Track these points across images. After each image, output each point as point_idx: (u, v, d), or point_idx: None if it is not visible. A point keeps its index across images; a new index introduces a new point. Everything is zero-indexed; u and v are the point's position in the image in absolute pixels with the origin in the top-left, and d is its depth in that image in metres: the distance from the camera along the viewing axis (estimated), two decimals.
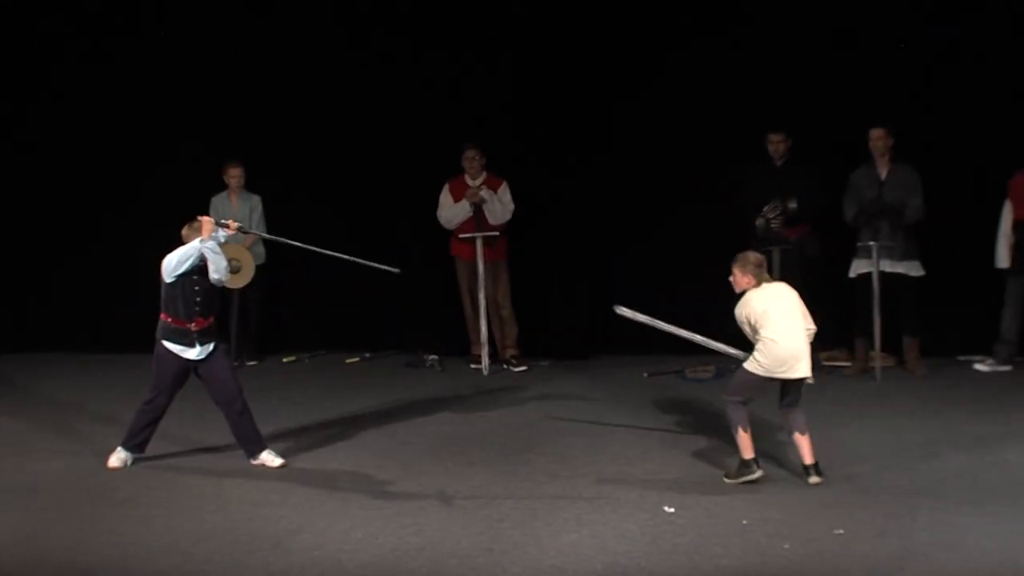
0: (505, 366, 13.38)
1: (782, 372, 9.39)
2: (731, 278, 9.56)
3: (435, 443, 10.62)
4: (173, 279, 9.72)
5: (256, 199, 13.74)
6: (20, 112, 14.14)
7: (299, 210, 13.79)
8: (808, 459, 9.44)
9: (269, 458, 10.00)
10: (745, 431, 9.44)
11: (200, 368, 9.94)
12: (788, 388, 9.50)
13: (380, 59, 13.83)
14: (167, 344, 9.88)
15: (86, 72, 14.13)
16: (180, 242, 9.80)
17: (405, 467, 9.96)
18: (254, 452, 10.02)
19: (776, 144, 12.83)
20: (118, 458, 10.03)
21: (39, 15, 14.03)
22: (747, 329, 9.54)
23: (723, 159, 13.06)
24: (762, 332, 9.39)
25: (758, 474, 9.43)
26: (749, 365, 9.48)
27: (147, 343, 12.38)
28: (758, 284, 9.55)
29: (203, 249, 9.72)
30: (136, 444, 10.04)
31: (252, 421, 10.03)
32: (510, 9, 13.57)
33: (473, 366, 13.33)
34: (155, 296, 9.93)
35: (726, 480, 9.46)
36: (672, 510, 8.83)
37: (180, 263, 9.69)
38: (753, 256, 9.66)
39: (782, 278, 12.46)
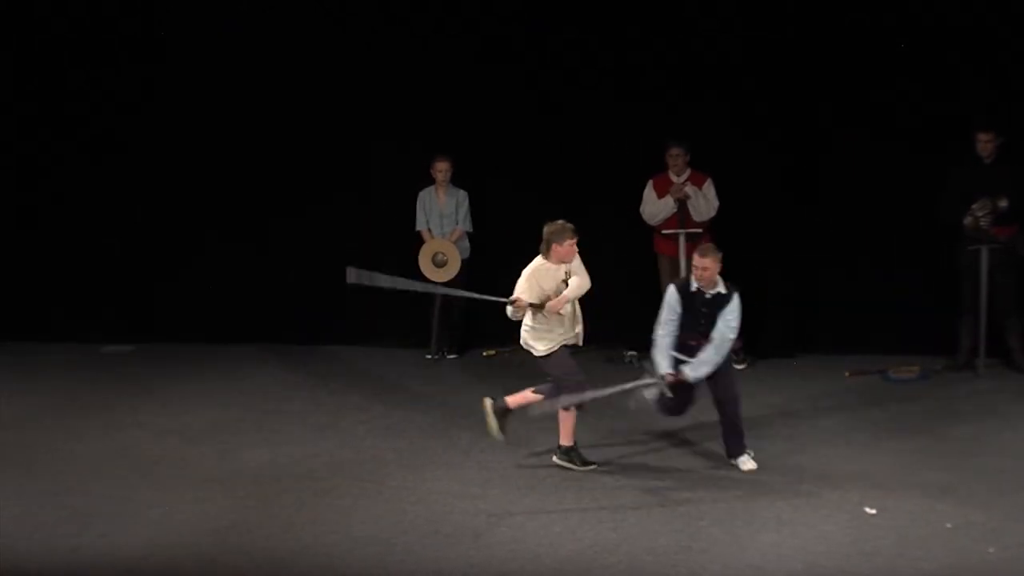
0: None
1: None
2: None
3: (632, 440, 10.63)
4: None
5: (463, 194, 13.79)
6: (196, 109, 14.36)
7: (505, 204, 13.85)
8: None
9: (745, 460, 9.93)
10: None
11: None
12: None
13: (586, 54, 13.82)
14: None
15: (268, 65, 14.24)
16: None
17: (604, 462, 9.98)
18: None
19: (985, 143, 12.54)
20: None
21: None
22: None
23: (930, 159, 12.84)
24: None
25: None
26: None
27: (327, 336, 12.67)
28: None
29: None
30: None
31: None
32: (720, 5, 13.49)
33: None
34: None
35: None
36: (874, 512, 8.74)
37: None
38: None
39: (991, 276, 12.30)
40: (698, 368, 9.69)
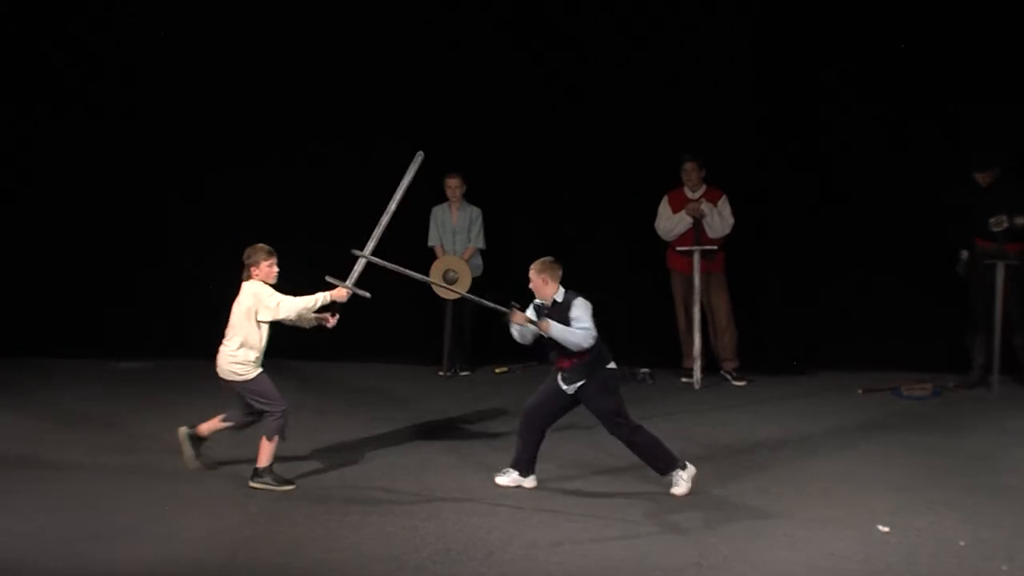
0: (725, 377, 13.32)
1: None
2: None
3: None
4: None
5: (476, 211, 13.80)
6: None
7: (517, 221, 13.88)
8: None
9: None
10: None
11: None
12: None
13: (601, 69, 13.85)
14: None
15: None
16: None
17: (613, 480, 9.97)
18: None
19: (983, 178, 12.58)
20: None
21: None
22: None
23: (942, 174, 12.88)
24: None
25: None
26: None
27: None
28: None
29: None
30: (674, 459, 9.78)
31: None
32: (738, 20, 13.52)
33: (684, 380, 13.28)
34: None
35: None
36: (885, 529, 8.72)
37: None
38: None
39: (1006, 292, 12.30)
40: (552, 327, 9.61)
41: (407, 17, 14.11)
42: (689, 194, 13.26)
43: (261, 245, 10.09)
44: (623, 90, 13.82)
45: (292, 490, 9.83)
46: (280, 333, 12.79)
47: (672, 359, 13.55)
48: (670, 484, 9.63)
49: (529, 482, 9.82)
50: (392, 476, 10.16)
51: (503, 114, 13.98)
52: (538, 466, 9.97)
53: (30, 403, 12.52)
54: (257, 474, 9.89)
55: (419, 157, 10.39)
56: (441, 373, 13.76)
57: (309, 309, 10.00)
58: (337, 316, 10.21)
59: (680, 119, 13.64)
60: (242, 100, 14.34)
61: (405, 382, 13.41)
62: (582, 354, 9.59)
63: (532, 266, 9.75)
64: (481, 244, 13.78)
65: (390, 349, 14.22)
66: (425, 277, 10.35)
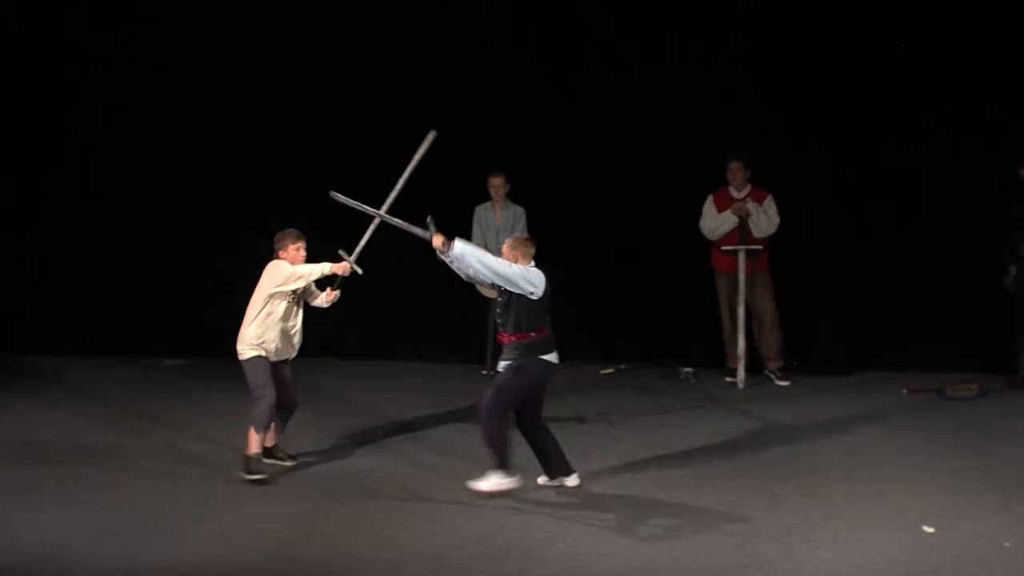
0: (770, 377, 13.27)
1: None
2: None
3: (688, 457, 10.59)
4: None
5: (520, 210, 13.74)
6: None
7: (562, 221, 13.86)
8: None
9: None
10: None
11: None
12: None
13: (644, 68, 13.83)
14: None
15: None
16: None
17: (658, 480, 9.94)
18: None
19: None
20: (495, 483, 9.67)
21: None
22: None
23: (988, 176, 12.83)
24: None
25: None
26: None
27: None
28: None
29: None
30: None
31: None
32: (783, 20, 13.47)
33: (728, 379, 13.23)
34: None
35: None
36: (932, 530, 8.67)
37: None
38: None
39: None
40: (459, 248, 9.69)
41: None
42: (734, 193, 13.22)
43: (290, 230, 10.27)
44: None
45: (265, 478, 9.94)
46: (329, 331, 12.91)
47: (716, 359, 13.50)
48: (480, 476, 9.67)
49: (572, 480, 9.79)
50: (435, 475, 10.16)
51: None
52: (581, 466, 9.95)
53: (71, 402, 12.61)
54: (246, 462, 10.01)
55: (431, 136, 10.42)
56: (484, 372, 13.74)
57: (315, 275, 10.13)
58: (337, 293, 10.35)
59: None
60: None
61: (448, 381, 13.40)
62: (520, 335, 9.60)
63: (507, 241, 9.97)
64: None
65: (434, 348, 14.22)
66: (413, 227, 10.23)
